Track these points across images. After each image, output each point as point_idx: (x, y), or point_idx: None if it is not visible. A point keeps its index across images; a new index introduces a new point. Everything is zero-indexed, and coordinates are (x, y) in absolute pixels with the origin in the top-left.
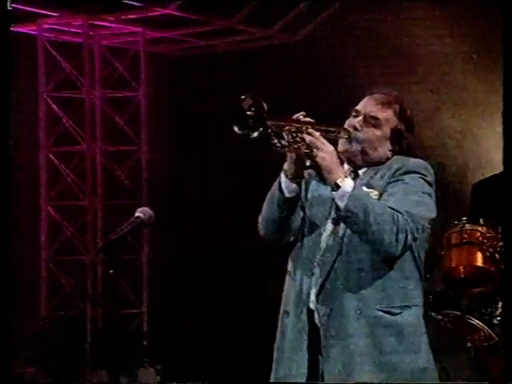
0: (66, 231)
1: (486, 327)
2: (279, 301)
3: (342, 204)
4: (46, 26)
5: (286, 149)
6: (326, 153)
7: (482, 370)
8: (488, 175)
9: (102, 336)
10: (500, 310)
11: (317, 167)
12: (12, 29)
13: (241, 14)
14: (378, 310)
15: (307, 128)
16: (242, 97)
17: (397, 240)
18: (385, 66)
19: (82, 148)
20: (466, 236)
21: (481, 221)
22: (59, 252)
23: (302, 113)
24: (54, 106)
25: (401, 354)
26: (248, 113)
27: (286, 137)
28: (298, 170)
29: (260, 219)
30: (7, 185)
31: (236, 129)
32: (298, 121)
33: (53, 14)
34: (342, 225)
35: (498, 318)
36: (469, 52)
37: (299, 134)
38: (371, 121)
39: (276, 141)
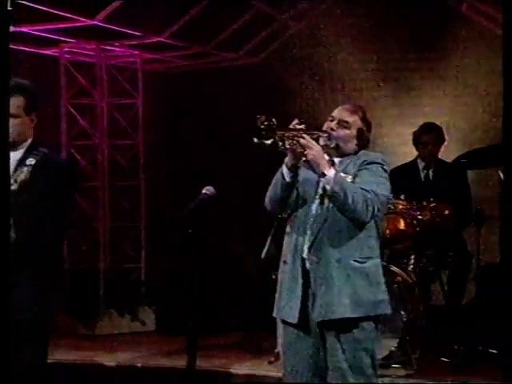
0: (82, 205)
1: (403, 273)
2: None
3: (327, 187)
4: (66, 49)
5: (288, 150)
6: (315, 151)
7: (402, 303)
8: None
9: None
10: (412, 261)
11: (309, 161)
12: (39, 51)
13: (214, 42)
14: (352, 260)
15: (301, 133)
16: (258, 116)
17: (367, 211)
18: (320, 83)
19: (93, 142)
20: (392, 207)
21: (402, 197)
22: (77, 221)
23: (296, 121)
24: (72, 111)
25: (367, 291)
26: (262, 127)
27: (287, 141)
28: (295, 162)
29: (267, 198)
30: (6, 186)
31: (255, 140)
32: (294, 129)
33: (71, 40)
34: (327, 200)
35: (412, 267)
36: (377, 70)
37: (296, 138)
38: (343, 124)
39: (281, 145)
